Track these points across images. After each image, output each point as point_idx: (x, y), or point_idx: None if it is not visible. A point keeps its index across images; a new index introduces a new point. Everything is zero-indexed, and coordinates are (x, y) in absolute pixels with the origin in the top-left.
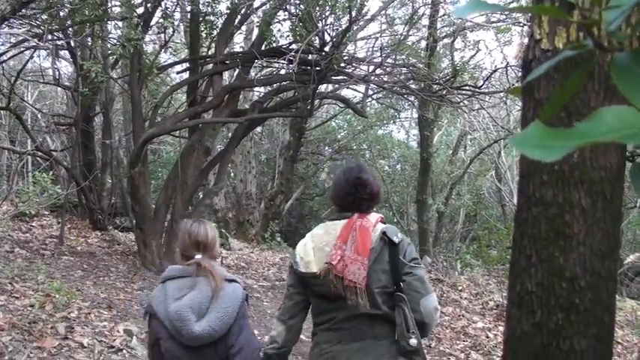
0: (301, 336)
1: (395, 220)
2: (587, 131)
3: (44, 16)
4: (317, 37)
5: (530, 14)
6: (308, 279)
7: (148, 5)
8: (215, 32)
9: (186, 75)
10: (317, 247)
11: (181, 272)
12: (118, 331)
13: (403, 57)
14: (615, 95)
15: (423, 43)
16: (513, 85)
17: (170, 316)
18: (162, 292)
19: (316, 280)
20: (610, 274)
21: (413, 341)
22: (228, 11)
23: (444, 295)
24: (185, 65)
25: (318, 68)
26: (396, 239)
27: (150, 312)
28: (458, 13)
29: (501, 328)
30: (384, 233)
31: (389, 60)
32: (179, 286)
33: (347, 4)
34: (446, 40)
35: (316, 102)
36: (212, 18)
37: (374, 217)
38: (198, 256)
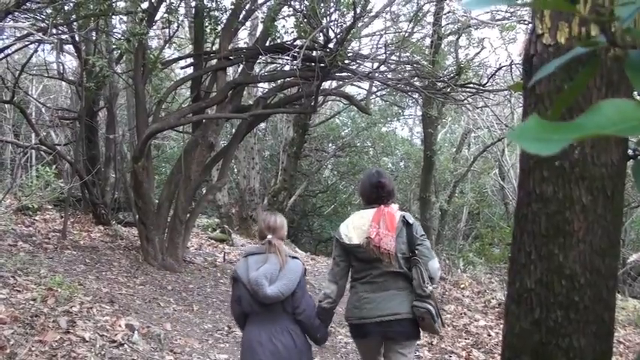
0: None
1: None
2: (587, 124)
3: (49, 10)
4: (321, 34)
5: (532, 9)
6: (352, 248)
7: (153, 0)
8: (219, 28)
9: (190, 70)
10: (356, 227)
11: (258, 250)
12: (119, 326)
13: (407, 54)
14: (617, 92)
15: (428, 41)
16: (517, 82)
17: (250, 282)
18: (245, 264)
19: (358, 249)
20: (610, 272)
21: (427, 286)
22: (232, 7)
23: (446, 293)
24: (189, 60)
25: (322, 65)
26: (411, 221)
27: (235, 277)
28: (466, 5)
29: None
30: (403, 217)
31: (393, 57)
32: (257, 260)
33: (351, 1)
34: (450, 38)
35: (320, 98)
36: (216, 13)
37: (395, 207)
38: (269, 237)
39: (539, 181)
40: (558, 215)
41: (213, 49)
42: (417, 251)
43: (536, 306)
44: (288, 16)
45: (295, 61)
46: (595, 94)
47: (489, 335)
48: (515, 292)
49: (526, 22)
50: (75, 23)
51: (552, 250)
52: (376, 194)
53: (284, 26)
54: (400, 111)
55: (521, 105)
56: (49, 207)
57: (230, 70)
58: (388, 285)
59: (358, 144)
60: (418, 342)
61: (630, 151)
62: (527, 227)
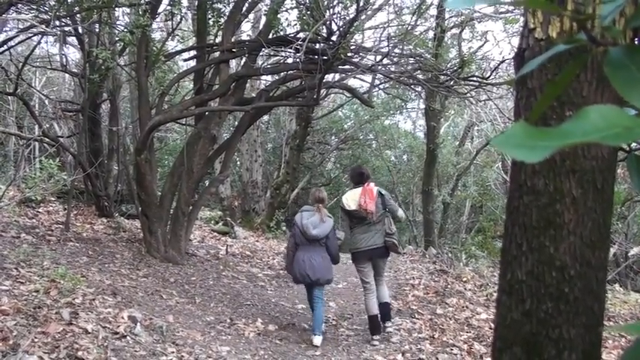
0: (304, 325)
1: None
2: (572, 131)
3: (52, 2)
4: (324, 26)
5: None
6: (351, 212)
7: None
8: (222, 20)
9: (193, 63)
10: (351, 199)
11: (310, 209)
12: (122, 318)
13: (410, 47)
14: (608, 86)
15: (431, 34)
16: (513, 78)
17: (303, 226)
18: (300, 215)
19: (355, 212)
20: (600, 264)
21: (392, 228)
22: None
23: (449, 286)
24: (192, 53)
25: (325, 57)
26: (383, 192)
27: (294, 223)
28: (449, 5)
29: None
30: (379, 191)
31: (396, 50)
32: (308, 214)
33: None
34: (454, 31)
35: (323, 91)
36: (220, 5)
37: (373, 184)
38: (318, 204)
39: (530, 174)
40: (549, 208)
41: (216, 41)
42: (387, 208)
43: (527, 297)
44: (291, 8)
45: (298, 54)
46: (586, 88)
47: (491, 328)
48: (507, 284)
49: None
50: (78, 15)
51: (543, 242)
52: (359, 178)
53: (287, 19)
54: (403, 104)
55: None
56: (52, 199)
57: (233, 63)
58: (371, 229)
59: (361, 137)
60: (420, 335)
61: (625, 146)
62: (518, 219)
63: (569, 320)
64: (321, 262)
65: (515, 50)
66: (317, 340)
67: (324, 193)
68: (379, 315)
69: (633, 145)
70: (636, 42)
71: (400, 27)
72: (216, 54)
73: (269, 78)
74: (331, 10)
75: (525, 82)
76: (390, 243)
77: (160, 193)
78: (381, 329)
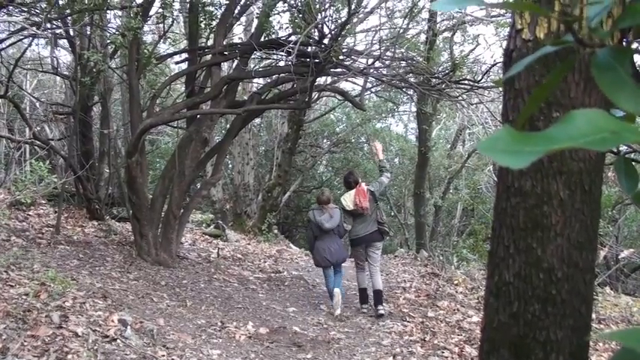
0: (295, 328)
1: (392, 214)
2: (558, 136)
3: (43, 4)
4: (316, 29)
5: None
6: (351, 210)
7: None
8: (214, 23)
9: (184, 65)
10: (349, 200)
11: (318, 208)
12: (112, 321)
13: (402, 50)
14: (595, 87)
15: (423, 37)
16: (500, 78)
17: (318, 221)
18: (313, 212)
19: (352, 210)
20: (588, 266)
21: (383, 218)
22: (227, 2)
23: (440, 289)
24: (184, 56)
25: (316, 60)
26: (372, 189)
27: (310, 219)
28: (436, 7)
29: None
30: (369, 189)
31: (388, 53)
32: (318, 212)
33: None
34: (445, 34)
35: (314, 94)
36: (211, 8)
37: (364, 184)
38: (324, 205)
39: (517, 176)
40: (536, 209)
41: (208, 44)
42: (377, 199)
43: (515, 299)
44: (283, 11)
45: (290, 57)
46: (574, 89)
47: None
48: (494, 286)
49: None
50: (69, 17)
51: (530, 243)
52: (350, 183)
53: (279, 22)
54: (395, 107)
55: None
56: (43, 202)
57: (225, 66)
58: (366, 219)
59: (353, 140)
60: (411, 338)
61: (614, 148)
62: (505, 221)
63: (557, 322)
64: (337, 248)
65: (504, 51)
66: (337, 291)
67: (325, 195)
68: (367, 290)
69: (622, 148)
70: (624, 43)
71: (392, 30)
72: (208, 57)
73: (261, 81)
74: (323, 13)
75: (513, 82)
76: (383, 229)
77: (151, 196)
78: (375, 312)
